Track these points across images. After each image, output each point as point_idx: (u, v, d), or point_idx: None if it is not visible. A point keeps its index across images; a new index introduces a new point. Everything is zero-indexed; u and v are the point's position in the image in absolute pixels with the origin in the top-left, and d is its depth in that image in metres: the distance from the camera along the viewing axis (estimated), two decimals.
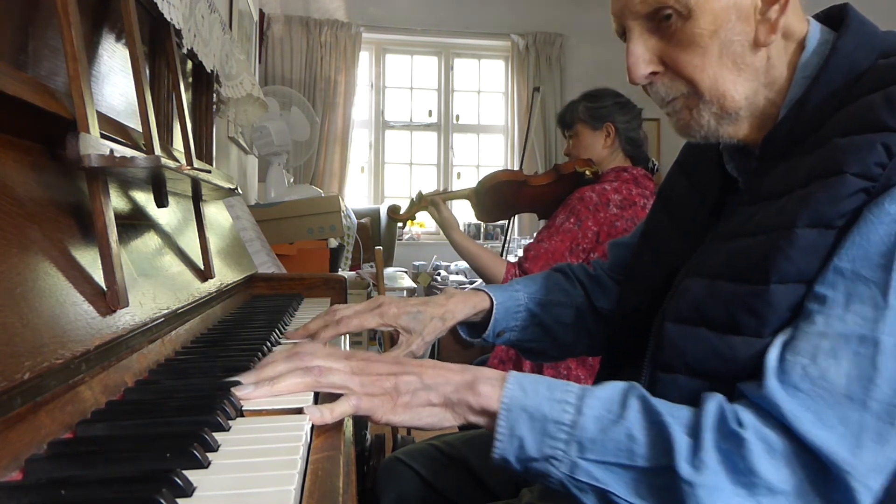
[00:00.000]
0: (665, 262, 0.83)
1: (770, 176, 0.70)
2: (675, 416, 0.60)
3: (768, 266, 0.62)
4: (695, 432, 0.58)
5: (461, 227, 1.96)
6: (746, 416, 0.58)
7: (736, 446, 0.57)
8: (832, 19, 0.74)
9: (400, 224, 2.06)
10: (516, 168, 2.40)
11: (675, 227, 0.86)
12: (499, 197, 1.91)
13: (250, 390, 0.63)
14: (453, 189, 2.02)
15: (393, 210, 2.02)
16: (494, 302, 0.97)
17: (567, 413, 0.61)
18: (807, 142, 0.67)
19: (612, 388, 0.64)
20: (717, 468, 0.56)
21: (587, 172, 1.83)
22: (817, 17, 0.75)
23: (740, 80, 0.71)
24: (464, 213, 4.21)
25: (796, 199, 0.64)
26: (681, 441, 0.58)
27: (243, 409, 0.61)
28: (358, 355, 0.69)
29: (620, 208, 1.75)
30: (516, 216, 2.19)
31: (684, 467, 0.56)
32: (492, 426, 0.64)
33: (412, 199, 1.97)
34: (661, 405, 0.61)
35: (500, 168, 2.01)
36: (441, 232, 2.02)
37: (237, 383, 0.65)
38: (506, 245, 2.43)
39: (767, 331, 0.62)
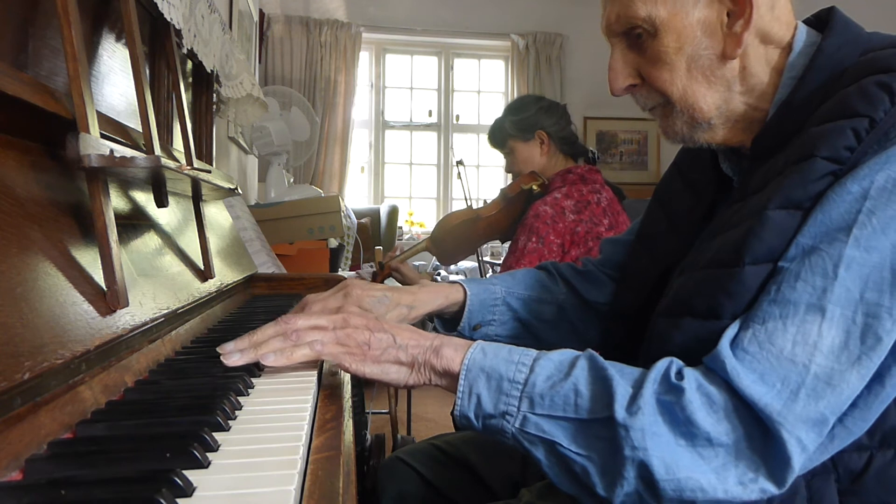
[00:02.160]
0: (660, 260, 0.85)
1: (758, 172, 0.72)
2: (623, 372, 0.64)
3: (742, 248, 0.64)
4: (637, 384, 0.61)
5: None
6: (690, 372, 0.61)
7: (675, 397, 0.59)
8: (821, 22, 0.76)
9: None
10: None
11: (670, 227, 0.87)
12: (457, 239, 1.91)
13: (237, 357, 0.71)
14: (406, 249, 1.99)
15: None
16: (468, 293, 0.97)
17: (521, 373, 0.65)
18: (793, 138, 0.69)
19: (567, 353, 0.67)
20: (653, 415, 0.59)
21: (534, 187, 1.80)
22: (808, 21, 0.78)
23: (710, 92, 0.74)
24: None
25: (772, 186, 0.66)
26: (622, 392, 0.61)
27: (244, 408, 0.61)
28: (342, 311, 0.76)
29: (576, 213, 1.72)
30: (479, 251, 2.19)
31: (620, 412, 0.59)
32: (453, 387, 0.68)
33: (373, 272, 1.96)
34: (610, 365, 0.64)
35: (451, 211, 1.97)
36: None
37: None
38: (481, 260, 2.45)
39: (743, 311, 0.64)
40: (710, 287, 0.66)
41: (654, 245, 0.89)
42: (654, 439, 0.58)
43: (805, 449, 0.58)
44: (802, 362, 0.58)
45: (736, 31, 0.71)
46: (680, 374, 0.61)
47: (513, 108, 1.90)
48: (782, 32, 0.74)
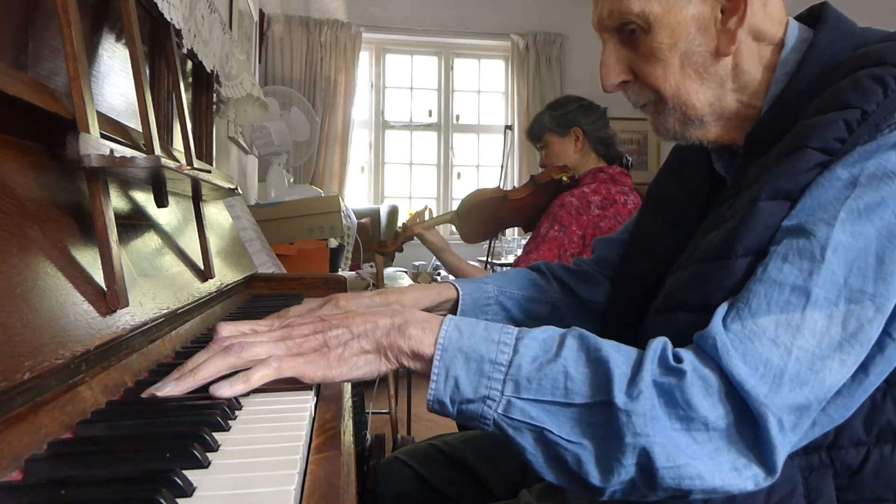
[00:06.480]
0: (655, 259, 0.85)
1: (751, 168, 0.72)
2: (620, 351, 0.60)
3: (734, 240, 0.64)
4: (636, 366, 0.58)
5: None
6: (687, 354, 0.59)
7: (676, 380, 0.57)
8: (813, 18, 0.76)
9: (388, 258, 2.00)
10: (507, 176, 2.38)
11: (665, 227, 0.87)
12: (481, 216, 1.91)
13: (172, 387, 0.60)
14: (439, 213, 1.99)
15: (380, 244, 1.97)
16: (461, 293, 0.96)
17: (504, 354, 0.61)
18: (786, 134, 0.69)
19: (552, 330, 0.64)
20: (653, 399, 0.57)
21: (564, 178, 1.84)
22: (800, 17, 0.78)
23: (703, 89, 0.74)
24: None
25: (763, 178, 0.66)
26: (621, 374, 0.58)
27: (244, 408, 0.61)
28: (280, 322, 0.69)
29: (602, 208, 1.75)
30: (500, 234, 2.19)
31: (620, 397, 0.56)
32: (426, 371, 0.63)
33: (396, 231, 1.94)
34: (604, 343, 0.61)
35: (481, 188, 1.96)
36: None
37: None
38: (488, 260, 2.45)
39: None
40: (701, 280, 0.66)
41: (650, 244, 0.88)
42: (654, 424, 0.56)
43: (783, 429, 0.57)
44: (784, 345, 0.57)
45: (730, 28, 0.71)
46: (677, 357, 0.59)
47: (553, 104, 1.98)
48: (774, 29, 0.74)
